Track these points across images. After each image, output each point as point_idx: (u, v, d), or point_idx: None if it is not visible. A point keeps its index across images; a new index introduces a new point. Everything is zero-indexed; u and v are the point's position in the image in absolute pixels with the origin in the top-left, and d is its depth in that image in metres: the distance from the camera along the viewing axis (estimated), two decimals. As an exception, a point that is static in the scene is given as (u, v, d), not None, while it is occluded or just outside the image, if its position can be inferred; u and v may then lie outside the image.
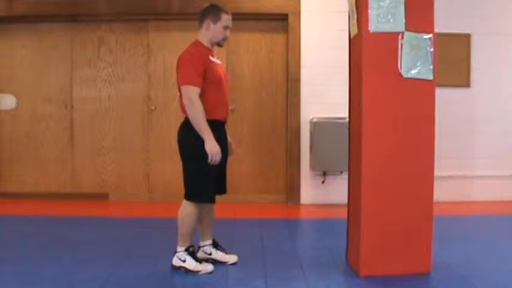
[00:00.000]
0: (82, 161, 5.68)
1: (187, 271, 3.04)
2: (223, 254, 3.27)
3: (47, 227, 4.35)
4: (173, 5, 5.41)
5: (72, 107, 5.67)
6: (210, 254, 3.25)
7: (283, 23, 5.50)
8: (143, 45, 5.62)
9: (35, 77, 5.67)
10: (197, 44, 3.13)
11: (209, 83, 3.01)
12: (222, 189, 3.23)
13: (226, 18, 3.12)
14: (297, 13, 5.39)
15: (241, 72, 5.62)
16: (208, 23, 3.10)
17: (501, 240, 3.87)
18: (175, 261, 3.08)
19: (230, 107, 5.48)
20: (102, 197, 5.64)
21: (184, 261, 3.06)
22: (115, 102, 5.66)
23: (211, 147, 2.93)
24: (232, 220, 4.35)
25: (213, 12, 3.11)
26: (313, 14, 5.39)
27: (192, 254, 3.08)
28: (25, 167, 5.70)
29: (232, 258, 3.27)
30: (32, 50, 5.66)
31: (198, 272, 3.04)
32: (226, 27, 3.12)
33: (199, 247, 3.27)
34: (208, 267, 3.09)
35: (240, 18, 5.51)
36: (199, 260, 3.09)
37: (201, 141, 2.96)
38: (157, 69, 5.63)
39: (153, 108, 5.63)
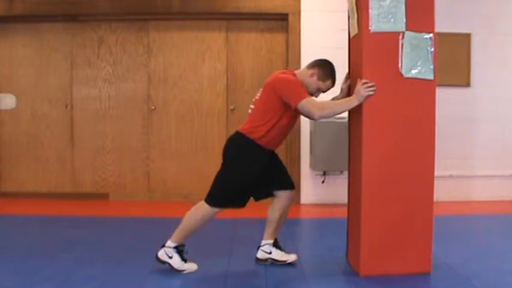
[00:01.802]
0: (82, 161, 5.68)
1: (171, 268, 3.04)
2: (283, 253, 3.25)
3: (47, 227, 4.35)
4: (173, 4, 5.41)
5: (72, 106, 5.67)
6: (270, 253, 3.23)
7: (283, 22, 5.50)
8: (143, 45, 5.62)
9: (35, 77, 5.67)
10: (295, 75, 3.11)
11: (288, 115, 3.03)
12: (289, 185, 3.24)
13: (328, 85, 3.14)
14: (297, 13, 5.39)
15: (241, 72, 5.62)
16: (316, 74, 3.10)
17: (501, 240, 3.87)
18: (162, 255, 3.06)
19: (230, 107, 5.57)
20: (102, 196, 5.64)
21: (171, 257, 3.04)
22: (115, 101, 5.66)
23: (361, 97, 2.91)
24: (232, 220, 4.35)
25: (327, 72, 3.12)
26: (313, 14, 5.39)
27: (180, 253, 3.07)
28: (25, 167, 5.71)
29: (291, 257, 3.25)
30: (32, 49, 5.66)
31: (183, 271, 3.04)
32: (320, 90, 3.13)
33: (259, 247, 3.26)
34: (193, 266, 3.08)
35: (240, 18, 5.55)
36: (184, 259, 3.07)
37: (249, 158, 3.03)
38: (158, 68, 5.63)
39: (153, 108, 5.63)
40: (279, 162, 3.27)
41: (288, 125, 3.09)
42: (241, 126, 3.14)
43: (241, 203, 3.11)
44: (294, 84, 2.99)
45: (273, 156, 3.21)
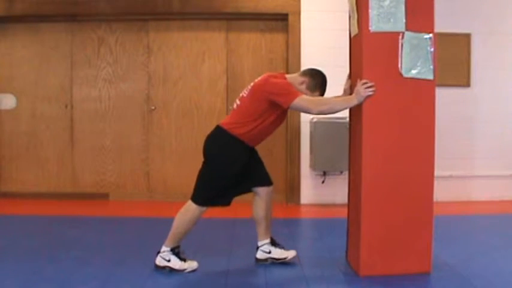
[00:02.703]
0: (82, 161, 5.68)
1: (172, 270, 3.04)
2: (282, 250, 3.26)
3: (47, 227, 4.35)
4: (173, 4, 5.41)
5: (72, 106, 5.67)
6: (270, 253, 3.24)
7: (283, 23, 5.50)
8: (143, 45, 5.62)
9: (35, 77, 5.67)
10: (286, 79, 3.10)
11: (273, 117, 3.02)
12: (268, 181, 3.24)
13: (315, 96, 3.12)
14: (297, 13, 5.39)
15: (241, 72, 5.62)
16: (306, 83, 3.10)
17: (501, 240, 3.87)
18: (159, 261, 3.06)
19: (230, 107, 5.56)
20: (102, 197, 5.64)
21: (169, 260, 3.05)
22: (115, 101, 5.65)
23: (361, 98, 2.90)
24: (232, 220, 4.35)
25: (317, 83, 3.12)
26: (313, 14, 5.39)
27: (177, 254, 3.07)
28: (25, 167, 5.70)
29: (290, 254, 3.25)
30: (32, 49, 5.66)
31: (184, 270, 3.04)
32: None
33: (257, 247, 3.26)
34: (193, 264, 3.09)
35: (240, 18, 5.55)
36: (183, 259, 3.08)
37: (230, 153, 3.02)
38: (157, 68, 5.63)
39: (153, 107, 5.63)
40: (258, 158, 3.27)
41: (272, 126, 3.08)
42: (223, 120, 3.13)
43: (226, 201, 3.12)
44: (284, 86, 2.99)
45: (253, 152, 3.21)
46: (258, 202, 3.22)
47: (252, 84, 3.11)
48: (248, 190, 3.22)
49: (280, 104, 2.96)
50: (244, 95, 3.09)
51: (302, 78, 3.12)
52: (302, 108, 2.99)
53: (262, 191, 3.21)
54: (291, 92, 2.95)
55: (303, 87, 3.09)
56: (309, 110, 2.98)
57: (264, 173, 3.27)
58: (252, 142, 3.09)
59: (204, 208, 3.06)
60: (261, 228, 3.25)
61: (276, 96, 2.95)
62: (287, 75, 3.17)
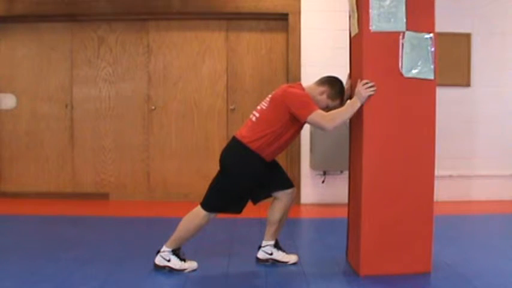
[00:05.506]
0: (82, 161, 5.68)
1: (171, 270, 3.04)
2: (284, 254, 3.26)
3: (47, 227, 4.35)
4: (173, 4, 5.41)
5: (72, 106, 5.67)
6: (271, 254, 3.24)
7: (283, 22, 5.50)
8: (143, 45, 5.62)
9: (35, 77, 5.67)
10: (304, 90, 3.08)
11: (293, 129, 3.02)
12: (288, 184, 3.23)
13: (336, 104, 3.12)
14: (297, 13, 5.39)
15: (241, 72, 5.62)
16: (326, 92, 3.08)
17: (501, 240, 3.87)
18: (159, 261, 3.06)
19: (230, 107, 5.57)
20: (102, 196, 5.64)
21: (169, 260, 3.05)
22: (115, 101, 5.66)
23: (363, 98, 2.90)
24: (232, 220, 4.34)
25: (336, 90, 3.10)
26: (313, 14, 5.39)
27: (177, 255, 3.07)
28: (25, 167, 5.71)
29: (292, 258, 3.26)
30: (32, 49, 5.66)
31: (184, 270, 3.05)
32: (328, 108, 3.10)
33: (259, 247, 3.27)
34: (193, 264, 3.09)
35: (240, 18, 5.55)
36: (183, 259, 3.08)
37: (248, 167, 3.02)
38: (157, 68, 5.63)
39: (153, 107, 5.63)
40: (276, 163, 3.25)
41: (291, 138, 3.07)
42: (240, 132, 3.08)
43: (238, 209, 3.10)
44: (303, 98, 2.97)
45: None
46: (277, 205, 3.21)
47: (270, 96, 3.09)
48: (268, 196, 3.22)
49: (298, 117, 2.95)
50: (264, 107, 3.06)
51: (322, 88, 3.09)
52: (317, 124, 2.95)
53: (282, 194, 3.20)
54: (309, 104, 2.94)
55: (324, 97, 3.08)
56: (323, 127, 2.93)
57: (283, 176, 3.26)
58: (271, 156, 3.08)
59: (212, 215, 3.05)
60: (271, 230, 3.24)
61: (295, 108, 2.94)
62: (305, 86, 3.13)
